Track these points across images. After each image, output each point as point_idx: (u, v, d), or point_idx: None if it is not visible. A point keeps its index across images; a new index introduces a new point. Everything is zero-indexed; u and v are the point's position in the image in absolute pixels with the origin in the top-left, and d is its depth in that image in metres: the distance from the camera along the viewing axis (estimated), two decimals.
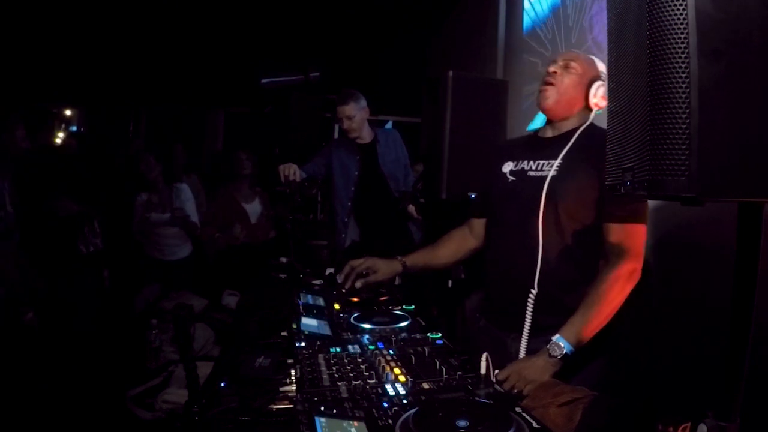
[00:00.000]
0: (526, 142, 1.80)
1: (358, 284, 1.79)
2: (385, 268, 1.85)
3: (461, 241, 1.94)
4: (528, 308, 1.54)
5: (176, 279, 3.91)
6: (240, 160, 4.18)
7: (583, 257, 1.56)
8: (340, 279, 1.77)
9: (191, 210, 4.11)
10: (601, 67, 1.65)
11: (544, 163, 1.63)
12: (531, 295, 1.55)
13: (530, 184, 1.62)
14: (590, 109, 1.65)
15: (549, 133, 1.71)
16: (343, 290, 1.75)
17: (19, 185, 3.23)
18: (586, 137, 1.60)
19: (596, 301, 1.44)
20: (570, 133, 1.63)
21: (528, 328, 1.53)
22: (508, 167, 1.73)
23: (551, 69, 1.64)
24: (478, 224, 1.89)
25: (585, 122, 1.64)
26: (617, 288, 1.45)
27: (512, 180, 1.70)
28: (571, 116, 1.65)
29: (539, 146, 1.69)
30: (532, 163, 1.67)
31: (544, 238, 1.55)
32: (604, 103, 1.59)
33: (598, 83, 1.62)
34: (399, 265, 1.87)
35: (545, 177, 1.58)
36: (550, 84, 1.63)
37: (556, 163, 1.59)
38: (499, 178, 1.73)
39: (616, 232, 1.49)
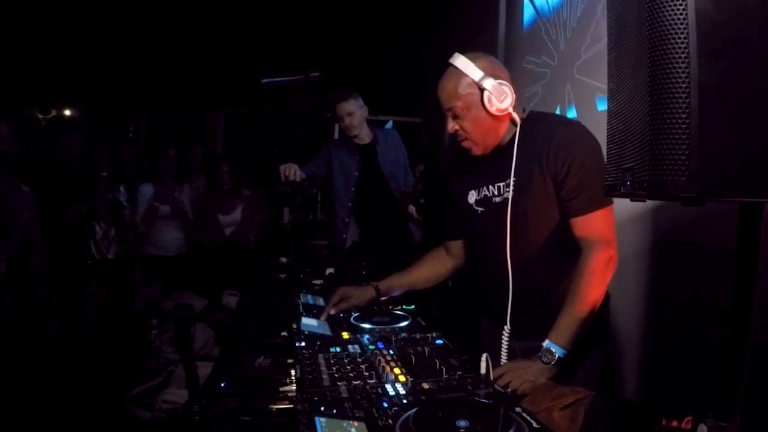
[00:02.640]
0: (477, 163, 1.67)
1: (333, 311, 1.80)
2: (358, 294, 1.85)
3: (438, 263, 1.93)
4: (503, 341, 1.54)
5: (174, 276, 3.93)
6: (221, 174, 4.03)
7: (563, 257, 1.52)
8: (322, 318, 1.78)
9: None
10: (471, 70, 1.50)
11: (502, 186, 1.59)
12: (505, 331, 1.54)
13: (496, 211, 1.59)
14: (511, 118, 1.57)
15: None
16: (321, 319, 1.75)
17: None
18: (524, 141, 1.54)
19: (576, 299, 1.40)
20: (511, 144, 1.56)
21: (504, 359, 1.52)
22: (473, 197, 1.70)
23: (449, 130, 1.58)
24: (455, 245, 1.88)
25: (516, 128, 1.57)
26: (595, 281, 1.41)
27: (481, 211, 1.67)
28: (503, 136, 1.60)
29: (491, 164, 1.63)
30: (492, 188, 1.63)
31: (513, 267, 1.52)
32: (506, 105, 1.51)
33: (486, 95, 1.49)
34: (372, 291, 1.87)
35: (507, 201, 1.54)
36: (463, 140, 1.59)
37: (512, 181, 1.54)
38: (469, 213, 1.71)
39: (579, 225, 1.47)
